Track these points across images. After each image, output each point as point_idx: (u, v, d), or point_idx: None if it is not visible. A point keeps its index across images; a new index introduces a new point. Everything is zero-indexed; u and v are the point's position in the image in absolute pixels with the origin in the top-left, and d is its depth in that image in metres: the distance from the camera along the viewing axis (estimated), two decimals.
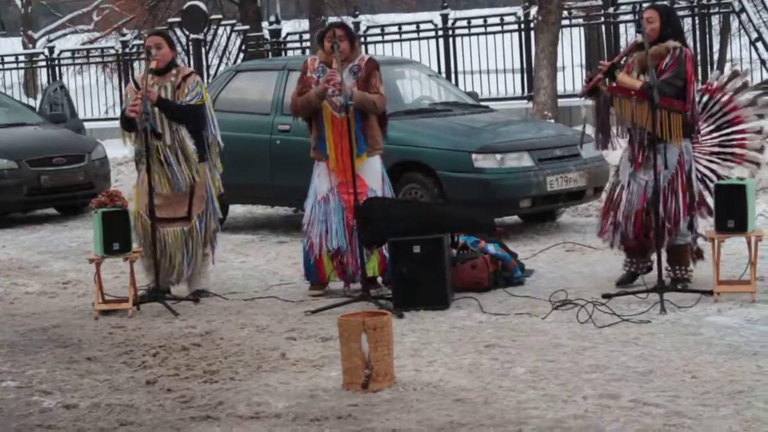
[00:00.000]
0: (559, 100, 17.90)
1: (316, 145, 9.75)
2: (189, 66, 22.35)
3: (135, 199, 9.86)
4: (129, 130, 9.74)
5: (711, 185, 9.37)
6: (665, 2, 18.71)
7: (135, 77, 10.16)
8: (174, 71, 9.81)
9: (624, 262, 9.48)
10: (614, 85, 9.11)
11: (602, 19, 19.74)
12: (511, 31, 20.32)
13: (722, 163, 9.61)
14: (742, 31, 19.13)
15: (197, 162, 9.71)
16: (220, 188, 9.99)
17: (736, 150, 9.65)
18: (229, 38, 23.47)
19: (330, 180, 9.68)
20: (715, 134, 9.67)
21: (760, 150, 9.70)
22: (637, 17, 9.24)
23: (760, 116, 9.73)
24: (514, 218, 13.17)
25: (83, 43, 33.74)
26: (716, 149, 9.64)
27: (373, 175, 9.74)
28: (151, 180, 9.48)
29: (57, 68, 25.38)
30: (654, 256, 9.10)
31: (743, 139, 9.66)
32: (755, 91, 9.84)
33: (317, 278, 9.83)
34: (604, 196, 9.50)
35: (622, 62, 9.26)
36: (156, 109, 9.56)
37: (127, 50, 24.42)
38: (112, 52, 25.42)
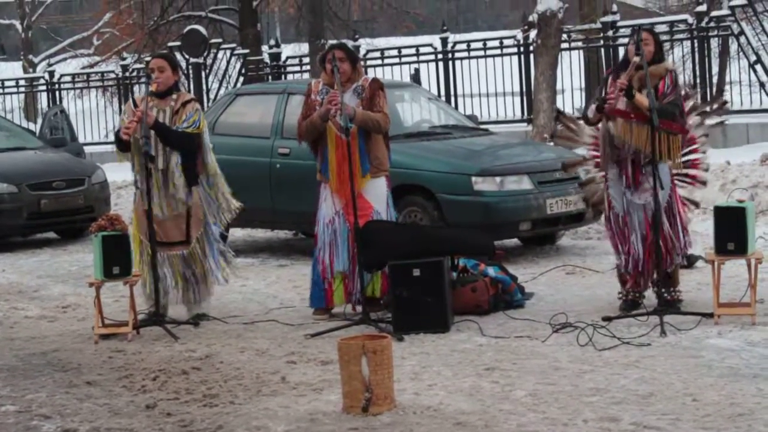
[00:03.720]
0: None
1: (321, 167, 9.74)
2: (189, 90, 22.41)
3: (135, 223, 9.85)
4: (122, 150, 9.75)
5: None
6: (665, 25, 18.87)
7: (135, 96, 10.16)
8: (174, 96, 9.80)
9: (619, 293, 9.45)
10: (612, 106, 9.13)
11: (601, 42, 19.79)
12: (510, 54, 20.38)
13: (680, 185, 9.64)
14: (741, 53, 19.18)
15: (184, 188, 9.69)
16: (224, 216, 9.98)
17: (691, 171, 9.74)
18: (229, 62, 23.54)
19: (335, 203, 9.67)
20: None
21: (707, 170, 9.89)
22: (635, 38, 9.21)
23: (706, 136, 9.82)
24: (514, 241, 13.18)
25: (83, 68, 33.82)
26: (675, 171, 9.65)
27: (379, 196, 9.73)
28: (151, 203, 9.50)
29: (57, 92, 25.45)
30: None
31: (697, 160, 9.77)
32: (701, 112, 9.93)
33: (324, 304, 9.80)
34: (604, 227, 9.53)
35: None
36: (152, 132, 9.56)
37: (127, 74, 24.48)
38: (112, 76, 25.51)
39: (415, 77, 21.13)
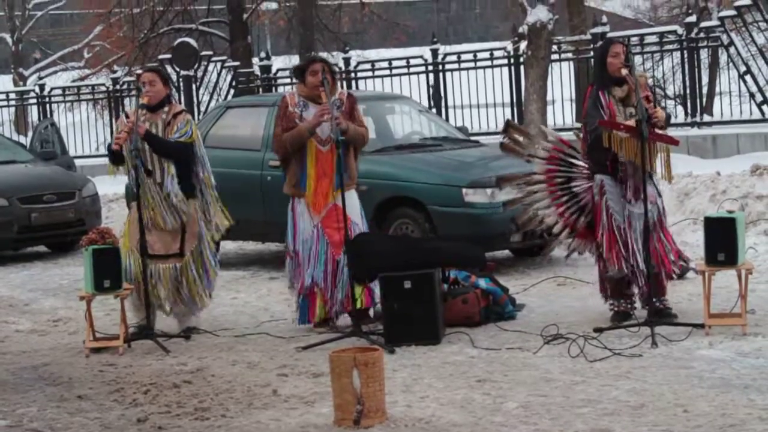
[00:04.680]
0: None
1: (297, 181, 9.73)
2: (180, 102, 22.39)
3: (126, 235, 9.82)
4: (116, 163, 9.74)
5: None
6: (655, 36, 18.92)
7: (127, 111, 10.17)
8: (166, 108, 9.81)
9: (611, 305, 9.45)
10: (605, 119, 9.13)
11: (591, 53, 19.79)
12: (500, 66, 20.37)
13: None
14: (730, 64, 19.21)
15: (181, 201, 9.67)
16: (218, 229, 9.96)
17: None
18: (219, 74, 23.53)
19: (312, 217, 9.67)
20: None
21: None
22: (614, 51, 9.20)
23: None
24: (505, 253, 13.18)
25: (74, 81, 33.79)
26: None
27: (353, 208, 9.75)
28: (143, 217, 9.49)
29: (48, 105, 25.39)
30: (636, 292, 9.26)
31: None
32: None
33: (308, 320, 9.78)
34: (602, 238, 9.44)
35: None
36: (146, 146, 9.55)
37: (117, 87, 24.46)
38: (103, 89, 25.46)
39: (435, 88, 21.02)
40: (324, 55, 23.17)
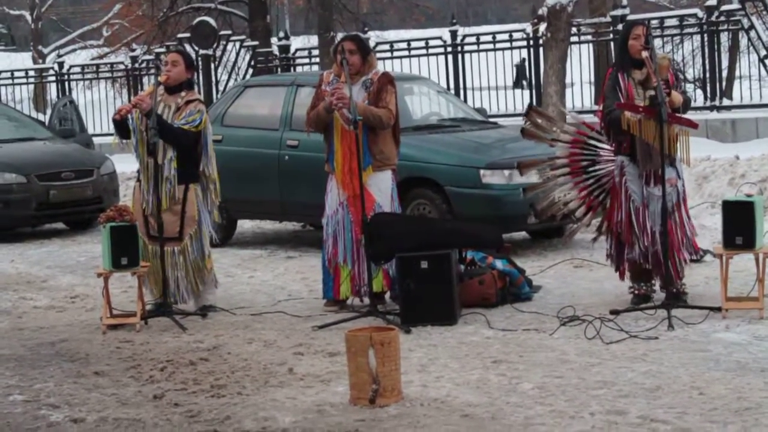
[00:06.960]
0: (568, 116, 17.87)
1: (328, 158, 9.75)
2: (198, 81, 22.42)
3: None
4: (122, 136, 9.73)
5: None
6: (675, 19, 18.85)
7: (140, 94, 10.14)
8: (183, 93, 9.76)
9: (630, 288, 9.44)
10: (623, 102, 9.10)
11: (611, 35, 19.75)
12: (519, 48, 20.34)
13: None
14: (750, 48, 19.12)
15: (178, 184, 9.63)
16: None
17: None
18: (238, 54, 23.54)
19: (339, 194, 9.68)
20: None
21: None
22: (634, 33, 9.14)
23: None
24: (522, 234, 13.18)
25: (93, 59, 33.86)
26: None
27: (383, 190, 9.71)
28: (159, 196, 9.50)
29: (66, 83, 25.45)
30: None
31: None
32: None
33: (333, 295, 9.80)
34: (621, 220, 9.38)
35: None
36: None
37: (136, 65, 24.49)
38: (122, 67, 25.51)
39: (521, 68, 20.87)
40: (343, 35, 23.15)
